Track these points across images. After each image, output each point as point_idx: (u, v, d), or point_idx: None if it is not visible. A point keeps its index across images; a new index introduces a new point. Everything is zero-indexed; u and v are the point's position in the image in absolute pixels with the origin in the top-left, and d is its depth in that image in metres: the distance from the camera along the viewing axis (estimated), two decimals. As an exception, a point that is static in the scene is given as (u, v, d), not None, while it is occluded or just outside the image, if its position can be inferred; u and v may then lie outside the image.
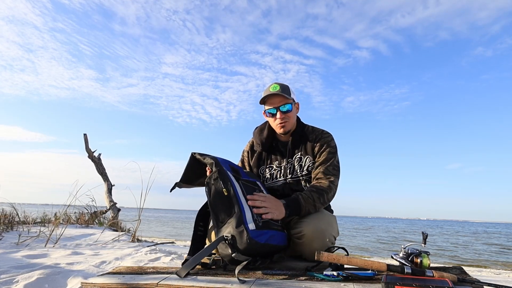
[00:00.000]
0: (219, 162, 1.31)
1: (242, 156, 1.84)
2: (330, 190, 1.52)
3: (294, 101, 1.65)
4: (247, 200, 1.27)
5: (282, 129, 1.63)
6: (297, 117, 1.73)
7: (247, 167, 1.79)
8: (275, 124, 1.64)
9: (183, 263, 1.17)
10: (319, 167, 1.59)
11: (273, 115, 1.63)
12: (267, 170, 1.72)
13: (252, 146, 1.80)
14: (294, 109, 1.66)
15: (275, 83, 1.63)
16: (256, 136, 1.76)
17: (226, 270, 1.20)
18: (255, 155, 1.76)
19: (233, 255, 1.16)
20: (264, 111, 1.67)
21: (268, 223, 1.28)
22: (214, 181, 1.26)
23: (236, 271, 1.07)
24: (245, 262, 1.13)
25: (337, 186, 1.57)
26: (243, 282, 1.02)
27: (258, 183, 1.49)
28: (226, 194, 1.22)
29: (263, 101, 1.63)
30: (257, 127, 1.80)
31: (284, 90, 1.60)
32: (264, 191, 1.49)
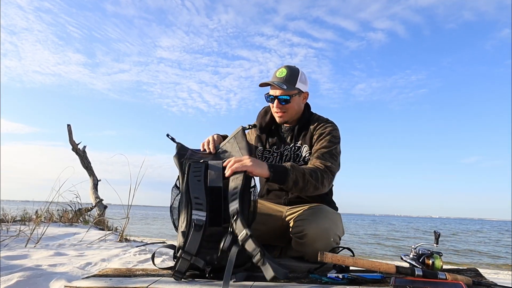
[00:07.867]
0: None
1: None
2: (325, 173, 1.46)
3: (300, 91, 1.64)
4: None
5: (278, 119, 1.69)
6: (308, 104, 1.76)
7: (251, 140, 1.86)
8: (273, 111, 1.69)
9: (172, 268, 1.15)
10: (315, 153, 1.57)
11: (272, 102, 1.66)
12: (264, 153, 1.75)
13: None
14: (297, 100, 1.66)
15: (285, 66, 1.67)
16: (258, 118, 1.80)
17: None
18: (255, 135, 1.81)
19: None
20: (266, 93, 1.69)
21: None
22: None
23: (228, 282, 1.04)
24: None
25: (334, 173, 1.53)
26: (242, 286, 1.03)
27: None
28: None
29: (268, 83, 1.64)
30: (264, 108, 1.81)
31: (290, 78, 1.61)
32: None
